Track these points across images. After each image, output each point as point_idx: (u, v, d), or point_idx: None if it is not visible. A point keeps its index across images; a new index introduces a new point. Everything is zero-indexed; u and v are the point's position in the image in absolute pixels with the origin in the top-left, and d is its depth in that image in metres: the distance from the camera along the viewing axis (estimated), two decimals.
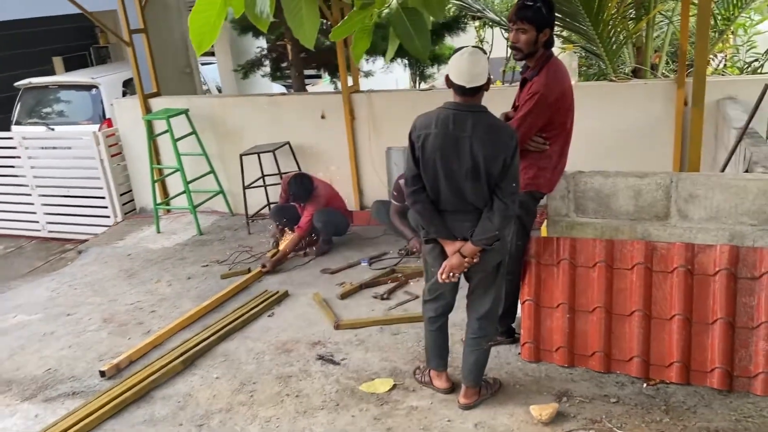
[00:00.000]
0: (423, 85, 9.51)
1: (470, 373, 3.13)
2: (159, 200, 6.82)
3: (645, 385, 3.16)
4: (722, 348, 3.00)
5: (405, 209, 5.20)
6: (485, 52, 2.83)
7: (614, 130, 5.19)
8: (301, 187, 5.27)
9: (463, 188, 2.84)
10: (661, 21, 6.48)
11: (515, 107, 3.22)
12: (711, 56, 6.49)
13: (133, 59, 6.78)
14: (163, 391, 3.57)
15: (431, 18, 2.84)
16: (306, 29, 1.72)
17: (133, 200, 7.38)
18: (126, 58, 11.64)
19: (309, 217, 5.32)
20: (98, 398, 3.46)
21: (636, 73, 6.40)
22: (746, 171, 3.23)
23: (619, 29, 6.16)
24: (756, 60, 6.88)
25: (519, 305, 3.51)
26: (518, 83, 3.34)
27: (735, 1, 5.92)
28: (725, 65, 7.12)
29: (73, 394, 3.66)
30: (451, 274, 2.95)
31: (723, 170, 3.77)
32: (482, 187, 2.81)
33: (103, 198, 7.16)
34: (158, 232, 6.63)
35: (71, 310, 4.90)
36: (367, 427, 3.10)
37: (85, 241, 6.95)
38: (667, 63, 6.69)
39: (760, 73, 6.39)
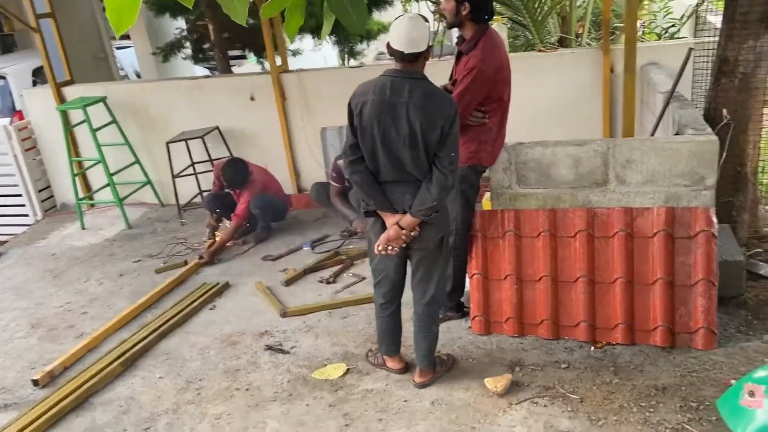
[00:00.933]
0: (352, 62, 9.36)
1: (424, 357, 3.10)
2: (81, 195, 6.44)
3: (593, 348, 3.23)
4: (663, 307, 3.10)
5: (345, 190, 5.11)
6: (427, 20, 2.75)
7: (544, 100, 5.25)
8: (235, 172, 5.08)
9: (402, 157, 2.76)
10: None
11: (453, 81, 3.17)
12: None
13: (42, 46, 6.32)
14: (103, 396, 3.38)
15: None
16: (236, 5, 1.59)
17: (52, 196, 6.94)
18: (34, 45, 10.95)
19: (245, 204, 5.14)
20: (33, 409, 3.23)
21: (561, 43, 6.51)
22: (676, 134, 3.32)
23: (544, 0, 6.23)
24: (673, 25, 7.13)
25: (467, 280, 3.51)
26: (450, 57, 3.30)
27: None
28: (643, 32, 7.35)
29: (4, 406, 3.40)
30: (390, 247, 2.88)
31: (653, 134, 3.87)
32: (420, 156, 2.74)
33: (20, 196, 6.70)
34: (83, 228, 6.26)
35: None
36: (323, 415, 3.03)
37: (4, 242, 6.49)
38: (590, 32, 6.84)
39: (677, 38, 6.63)
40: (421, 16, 2.77)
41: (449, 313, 3.60)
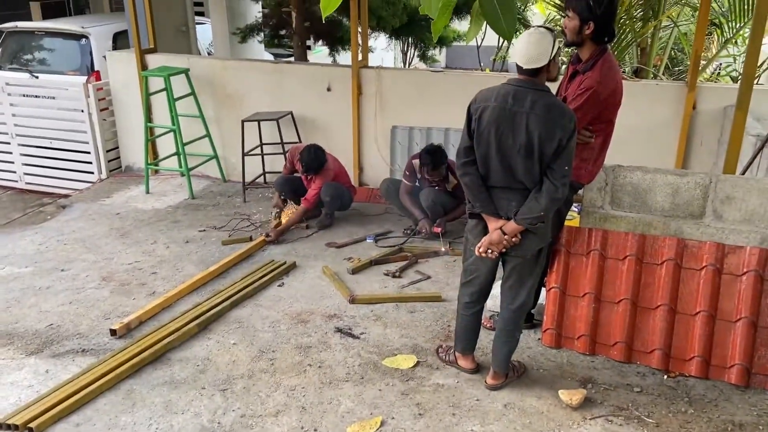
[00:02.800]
0: (418, 65, 9.46)
1: (501, 361, 3.15)
2: (150, 160, 6.61)
3: (665, 377, 3.26)
4: (744, 346, 3.11)
5: (415, 189, 5.19)
6: (552, 32, 2.80)
7: (620, 126, 5.24)
8: (314, 158, 5.18)
9: (515, 165, 2.82)
10: (667, 24, 6.62)
11: (563, 98, 3.22)
12: (711, 62, 6.67)
13: (132, 11, 6.48)
14: (180, 354, 3.48)
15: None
16: (506, 22, 1.67)
17: (118, 158, 7.12)
18: (105, 9, 11.23)
19: (317, 190, 5.24)
20: (113, 357, 3.34)
21: (637, 74, 6.53)
22: None
23: (627, 29, 6.26)
24: None
25: (543, 291, 3.56)
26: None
27: (739, 13, 6.09)
28: (719, 73, 7.34)
29: (82, 351, 3.52)
30: (489, 251, 2.95)
31: (743, 174, 3.89)
32: (534, 166, 2.79)
33: (88, 153, 6.88)
34: (147, 192, 6.43)
35: (64, 265, 4.71)
36: (396, 402, 3.10)
37: (66, 196, 6.69)
38: (667, 67, 6.85)
39: (759, 84, 6.61)
40: (548, 29, 2.83)
41: None
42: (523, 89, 2.79)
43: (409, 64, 10.41)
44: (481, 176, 2.91)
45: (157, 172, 6.87)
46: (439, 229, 5.04)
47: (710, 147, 5.19)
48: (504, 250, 2.94)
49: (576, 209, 4.47)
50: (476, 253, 2.96)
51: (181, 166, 6.36)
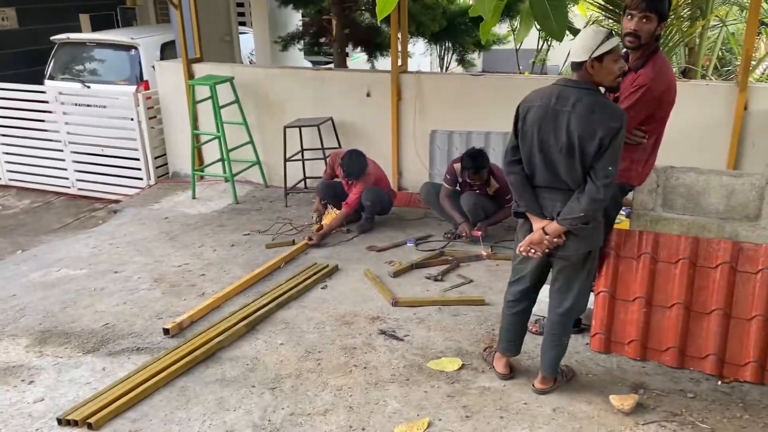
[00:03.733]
0: (455, 69, 9.45)
1: (549, 365, 3.12)
2: (196, 166, 6.76)
3: (719, 382, 3.18)
4: None
5: (456, 193, 5.19)
6: (606, 32, 2.77)
7: (671, 127, 5.15)
8: (355, 164, 5.23)
9: (557, 165, 2.80)
10: (715, 24, 6.48)
11: (615, 98, 3.19)
12: (761, 62, 6.50)
13: (180, 22, 6.66)
14: (230, 353, 3.56)
15: None
16: (554, 25, 1.69)
17: (166, 164, 7.31)
18: (152, 21, 11.55)
19: (358, 195, 5.29)
20: (167, 355, 3.43)
21: (685, 74, 6.40)
22: None
23: (674, 29, 6.15)
24: None
25: (591, 296, 3.52)
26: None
27: None
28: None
29: (137, 349, 3.63)
30: (532, 250, 2.92)
31: None
32: (576, 166, 2.76)
33: (137, 160, 7.08)
34: (194, 197, 6.58)
35: (117, 267, 4.86)
36: (443, 404, 3.10)
37: (116, 201, 6.91)
38: (716, 67, 6.70)
39: None
40: (607, 29, 2.80)
41: None
42: (569, 88, 2.78)
43: (447, 68, 10.41)
44: (527, 176, 2.91)
45: (202, 177, 7.03)
46: (479, 233, 5.02)
47: (763, 148, 5.06)
48: (547, 250, 2.91)
49: (624, 212, 4.41)
50: (518, 251, 2.95)
51: (225, 172, 6.50)
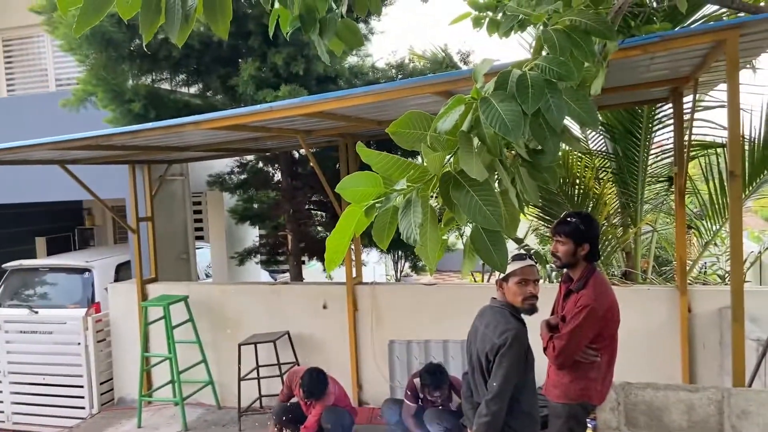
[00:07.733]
0: (412, 276, 9.74)
1: None
2: (144, 391, 6.42)
3: None
4: None
5: (419, 410, 5.00)
6: (523, 256, 2.99)
7: (621, 333, 5.25)
8: (316, 383, 5.04)
9: (475, 379, 2.91)
10: (647, 231, 6.97)
11: (562, 317, 3.26)
12: (696, 263, 6.89)
13: (137, 246, 6.79)
14: None
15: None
16: (430, 251, 1.77)
17: (112, 390, 6.92)
18: (109, 242, 11.75)
19: (317, 417, 5.03)
20: None
21: (626, 276, 6.69)
22: None
23: (610, 236, 6.57)
24: None
25: None
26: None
27: (713, 215, 6.45)
28: (705, 272, 7.54)
29: None
30: None
31: (751, 384, 3.80)
32: (480, 380, 2.88)
33: (81, 387, 6.70)
34: (139, 426, 6.14)
35: None
36: None
37: None
38: (654, 268, 7.07)
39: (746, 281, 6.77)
40: (525, 253, 3.02)
41: None
42: (491, 307, 2.96)
43: (401, 273, 10.71)
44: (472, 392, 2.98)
45: (150, 403, 6.64)
46: None
47: (713, 349, 5.13)
48: None
49: (591, 425, 4.28)
50: None
51: (175, 395, 6.17)
